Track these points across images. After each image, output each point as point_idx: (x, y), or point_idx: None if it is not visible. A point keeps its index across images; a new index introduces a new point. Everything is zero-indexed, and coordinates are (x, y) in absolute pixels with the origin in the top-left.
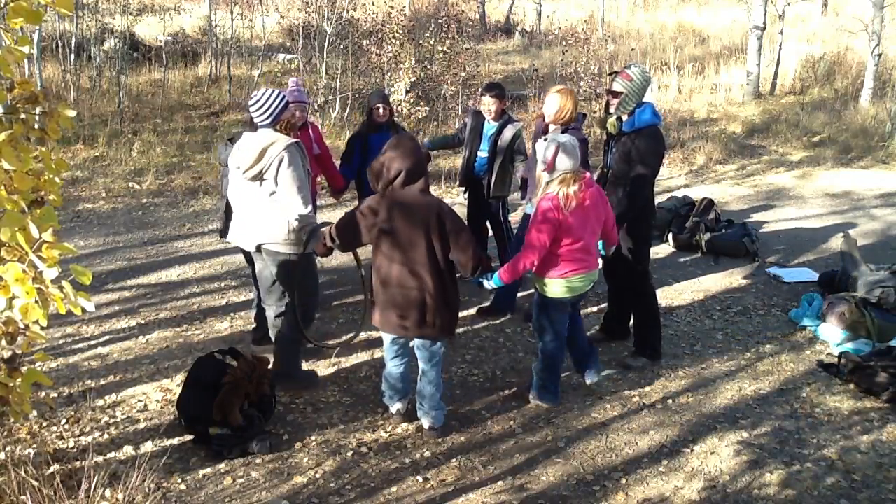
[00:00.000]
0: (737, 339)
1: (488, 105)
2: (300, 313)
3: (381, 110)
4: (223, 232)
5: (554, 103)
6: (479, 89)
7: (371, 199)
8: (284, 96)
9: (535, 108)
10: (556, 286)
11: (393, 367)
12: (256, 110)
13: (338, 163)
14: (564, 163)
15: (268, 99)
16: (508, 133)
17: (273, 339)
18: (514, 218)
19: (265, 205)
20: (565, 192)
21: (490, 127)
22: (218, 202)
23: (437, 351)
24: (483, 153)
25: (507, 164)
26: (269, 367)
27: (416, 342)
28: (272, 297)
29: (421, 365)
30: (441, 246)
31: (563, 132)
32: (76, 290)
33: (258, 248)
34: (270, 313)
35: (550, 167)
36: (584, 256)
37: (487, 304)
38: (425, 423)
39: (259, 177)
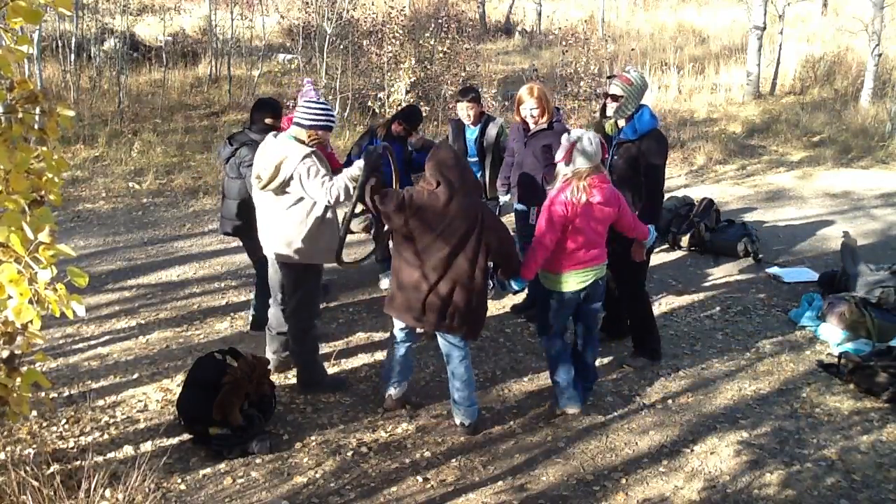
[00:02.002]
0: (737, 339)
1: (466, 110)
2: (296, 323)
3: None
4: (235, 230)
5: (534, 104)
6: (455, 97)
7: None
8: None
9: None
10: (559, 279)
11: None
12: (309, 109)
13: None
14: (582, 159)
15: (327, 109)
16: (493, 130)
17: (267, 328)
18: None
19: (280, 214)
20: (576, 184)
21: (472, 131)
22: (219, 201)
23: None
24: (472, 159)
25: (498, 163)
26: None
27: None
28: (280, 295)
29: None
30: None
31: (548, 127)
32: (70, 294)
33: (273, 254)
34: (276, 311)
35: (566, 160)
36: (586, 251)
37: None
38: (458, 419)
39: (282, 190)
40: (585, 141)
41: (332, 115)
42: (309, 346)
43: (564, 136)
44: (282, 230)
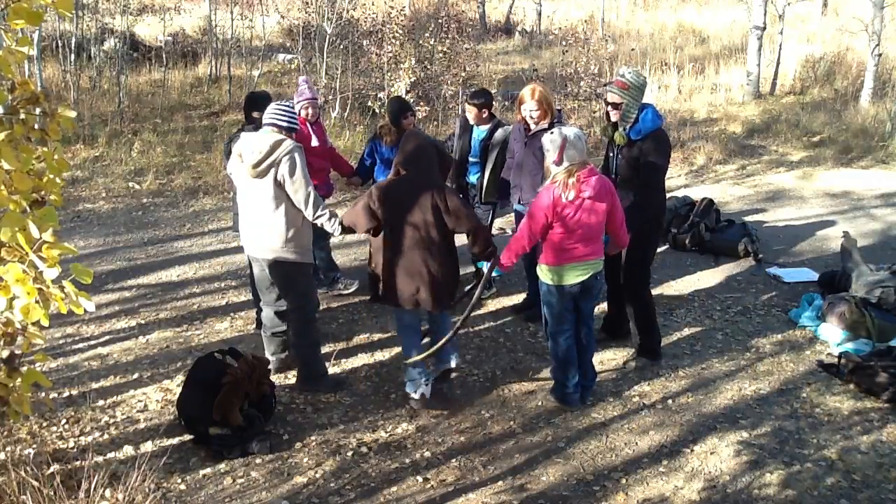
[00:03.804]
0: (737, 339)
1: (474, 113)
2: (299, 317)
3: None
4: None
5: (535, 106)
6: (465, 96)
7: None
8: (296, 125)
9: None
10: (556, 273)
11: None
12: (284, 112)
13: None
14: (572, 155)
15: (292, 112)
16: (500, 134)
17: (262, 331)
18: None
19: (267, 210)
20: (565, 181)
21: (480, 132)
22: (219, 201)
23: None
24: (474, 159)
25: (499, 168)
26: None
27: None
28: (269, 296)
29: None
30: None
31: (549, 128)
32: (77, 290)
33: (257, 253)
34: (268, 312)
35: (559, 160)
36: (583, 245)
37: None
38: (416, 394)
39: (265, 172)
40: (573, 137)
41: (296, 120)
42: (311, 338)
43: (547, 137)
44: (267, 225)
